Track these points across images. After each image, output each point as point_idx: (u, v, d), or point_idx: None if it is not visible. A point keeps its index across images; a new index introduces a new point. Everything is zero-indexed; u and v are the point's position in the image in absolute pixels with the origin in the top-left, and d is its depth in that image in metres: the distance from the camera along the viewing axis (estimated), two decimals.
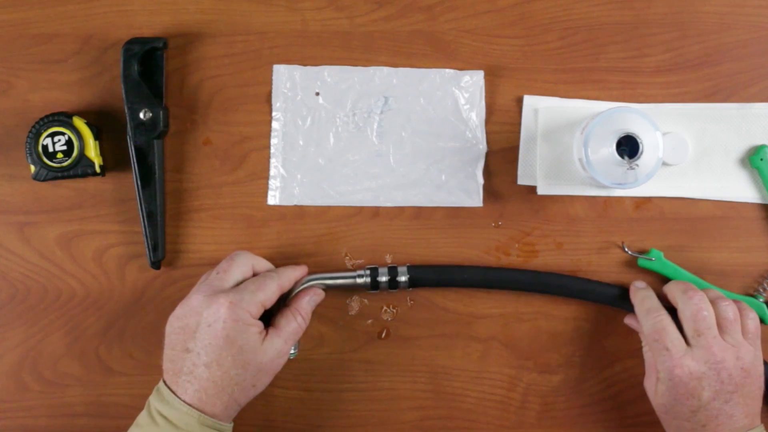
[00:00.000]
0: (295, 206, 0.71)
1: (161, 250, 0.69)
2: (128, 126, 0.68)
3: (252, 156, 0.71)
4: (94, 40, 0.71)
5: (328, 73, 0.72)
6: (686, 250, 0.71)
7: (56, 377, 0.71)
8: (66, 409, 0.70)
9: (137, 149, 0.69)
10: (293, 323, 0.64)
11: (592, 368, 0.71)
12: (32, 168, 0.68)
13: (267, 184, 0.71)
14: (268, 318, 0.65)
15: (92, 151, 0.68)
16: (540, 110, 0.71)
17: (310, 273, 0.68)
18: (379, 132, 0.71)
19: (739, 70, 0.72)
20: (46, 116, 0.68)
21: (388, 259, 0.71)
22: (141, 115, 0.68)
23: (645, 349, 0.67)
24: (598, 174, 0.65)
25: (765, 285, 0.70)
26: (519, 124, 0.71)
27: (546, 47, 0.72)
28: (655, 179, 0.66)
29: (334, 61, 0.72)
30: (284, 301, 0.67)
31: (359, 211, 0.71)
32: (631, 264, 0.71)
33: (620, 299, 0.69)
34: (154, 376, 0.69)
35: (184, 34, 0.71)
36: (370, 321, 0.71)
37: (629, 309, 0.68)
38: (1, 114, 0.71)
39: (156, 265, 0.69)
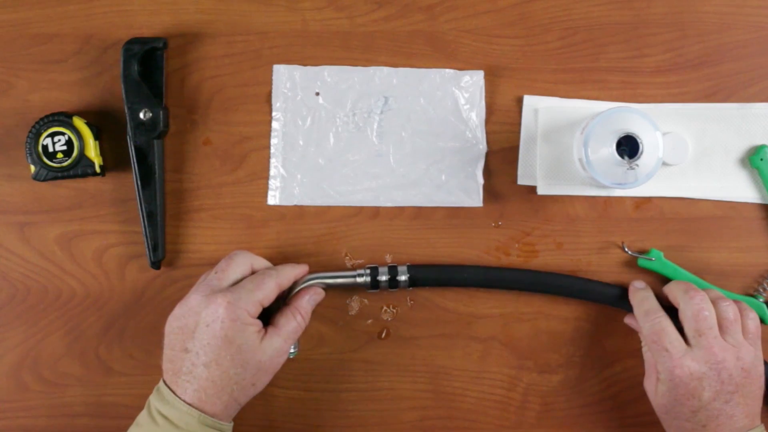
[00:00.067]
0: (295, 206, 0.71)
1: (161, 250, 0.69)
2: (128, 126, 0.68)
3: (252, 156, 0.71)
4: (94, 40, 0.71)
5: (328, 73, 0.72)
6: (686, 250, 0.71)
7: (56, 377, 0.71)
8: (66, 409, 0.70)
9: (137, 149, 0.69)
10: (293, 322, 0.64)
11: (592, 368, 0.71)
12: (32, 168, 0.68)
13: (267, 184, 0.71)
14: (269, 317, 0.65)
15: (92, 151, 0.68)
16: (540, 110, 0.71)
17: (309, 273, 0.68)
18: (379, 132, 0.71)
19: (739, 70, 0.72)
20: (46, 116, 0.68)
21: (388, 259, 0.71)
22: (141, 115, 0.68)
23: (644, 350, 0.67)
24: (598, 174, 0.65)
25: (765, 285, 0.70)
26: (519, 124, 0.71)
27: (546, 47, 0.72)
28: (655, 179, 0.66)
29: (334, 61, 0.72)
30: (284, 299, 0.67)
31: (359, 211, 0.71)
32: (631, 264, 0.71)
33: (620, 299, 0.69)
34: (154, 376, 0.69)
35: (184, 34, 0.71)
36: (370, 321, 0.71)
37: (629, 309, 0.68)
38: (1, 114, 0.71)
39: (156, 265, 0.70)
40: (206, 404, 0.59)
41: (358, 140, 0.71)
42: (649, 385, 0.65)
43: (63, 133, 0.68)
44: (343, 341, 0.71)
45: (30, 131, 0.68)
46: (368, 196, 0.71)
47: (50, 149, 0.67)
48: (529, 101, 0.71)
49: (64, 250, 0.71)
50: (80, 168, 0.68)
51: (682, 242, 0.71)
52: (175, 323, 0.61)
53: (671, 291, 0.66)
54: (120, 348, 0.71)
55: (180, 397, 0.59)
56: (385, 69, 0.72)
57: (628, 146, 0.64)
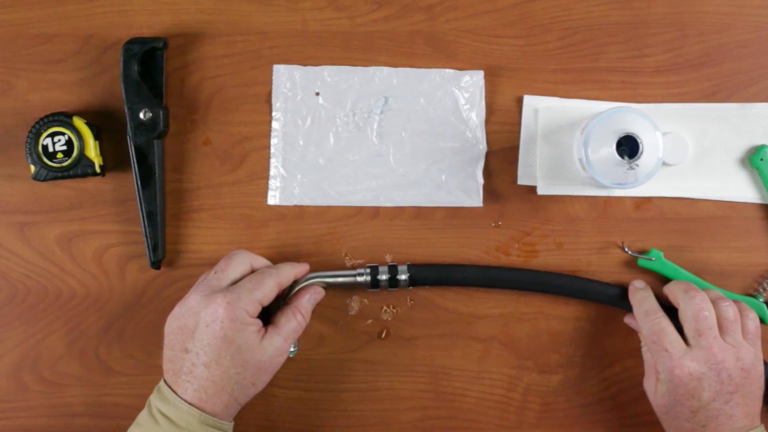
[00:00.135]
0: (295, 206, 0.71)
1: (161, 250, 0.69)
2: (128, 126, 0.68)
3: (252, 156, 0.71)
4: (94, 40, 0.71)
5: (328, 73, 0.72)
6: (686, 250, 0.71)
7: (56, 377, 0.71)
8: (66, 409, 0.70)
9: (137, 149, 0.69)
10: (293, 321, 0.64)
11: (592, 368, 0.71)
12: (32, 168, 0.68)
13: (267, 184, 0.71)
14: (268, 316, 0.65)
15: (92, 151, 0.68)
16: (540, 110, 0.71)
17: (309, 273, 0.68)
18: (379, 132, 0.71)
19: (739, 70, 0.72)
20: (46, 116, 0.68)
21: (388, 259, 0.71)
22: (141, 115, 0.68)
23: (644, 350, 0.67)
24: (598, 174, 0.65)
25: (765, 285, 0.70)
26: (519, 124, 0.71)
27: (546, 47, 0.72)
28: (655, 179, 0.66)
29: (334, 61, 0.72)
30: (284, 298, 0.67)
31: (359, 211, 0.71)
32: (631, 264, 0.71)
33: (620, 299, 0.69)
34: (154, 376, 0.69)
35: (184, 34, 0.71)
36: (370, 321, 0.71)
37: (629, 309, 0.68)
38: (1, 114, 0.71)
39: (156, 265, 0.70)
40: (207, 404, 0.59)
41: (358, 140, 0.71)
42: (649, 385, 0.65)
43: (63, 133, 0.68)
44: (343, 341, 0.71)
45: (30, 131, 0.68)
46: (368, 196, 0.71)
47: (50, 149, 0.67)
48: (529, 101, 0.71)
49: (64, 250, 0.71)
50: (80, 168, 0.68)
51: (682, 242, 0.71)
52: (174, 323, 0.61)
53: (671, 291, 0.66)
54: (120, 348, 0.71)
55: (181, 397, 0.59)
56: (385, 69, 0.72)
57: (628, 146, 0.64)
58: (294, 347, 0.67)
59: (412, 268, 0.69)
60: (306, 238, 0.71)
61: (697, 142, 0.71)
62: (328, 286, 0.69)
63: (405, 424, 0.71)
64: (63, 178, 0.68)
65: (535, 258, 0.71)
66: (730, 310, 0.63)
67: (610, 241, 0.71)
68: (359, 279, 0.68)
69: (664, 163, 0.70)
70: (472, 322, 0.71)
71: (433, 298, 0.71)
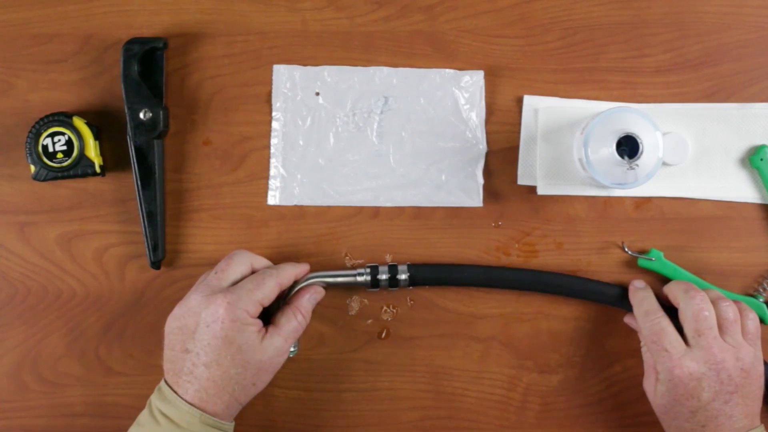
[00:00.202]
0: (295, 206, 0.71)
1: (161, 250, 0.69)
2: (128, 126, 0.68)
3: (252, 156, 0.71)
4: (94, 40, 0.71)
5: (328, 73, 0.72)
6: (686, 250, 0.71)
7: (56, 377, 0.71)
8: (66, 409, 0.70)
9: (137, 149, 0.69)
10: (293, 321, 0.64)
11: (592, 368, 0.71)
12: (32, 168, 0.68)
13: (267, 184, 0.71)
14: (269, 316, 0.65)
15: (92, 151, 0.68)
16: (540, 110, 0.71)
17: (309, 273, 0.68)
18: (379, 132, 0.71)
19: (739, 70, 0.72)
20: (46, 116, 0.68)
21: (388, 259, 0.71)
22: (141, 115, 0.68)
23: (644, 350, 0.67)
24: (598, 174, 0.65)
25: (765, 285, 0.70)
26: (519, 124, 0.71)
27: (546, 47, 0.72)
28: (655, 179, 0.66)
29: (334, 61, 0.72)
30: (285, 298, 0.67)
31: (359, 211, 0.71)
32: (631, 264, 0.71)
33: (620, 299, 0.69)
34: (154, 376, 0.69)
35: (184, 34, 0.71)
36: (370, 321, 0.71)
37: (629, 309, 0.68)
38: (1, 114, 0.71)
39: (156, 265, 0.70)
40: (207, 404, 0.59)
41: (358, 140, 0.71)
42: (649, 385, 0.65)
43: (63, 133, 0.68)
44: (343, 341, 0.71)
45: (30, 131, 0.68)
46: (368, 196, 0.71)
47: (50, 149, 0.67)
48: (529, 101, 0.71)
49: (64, 250, 0.71)
50: (80, 168, 0.68)
51: (682, 242, 0.71)
52: (174, 323, 0.61)
53: (671, 291, 0.66)
54: (120, 348, 0.71)
55: (181, 397, 0.59)
56: (385, 69, 0.72)
57: (628, 146, 0.64)
58: (294, 347, 0.67)
59: (412, 267, 0.69)
60: (306, 238, 0.71)
61: (697, 142, 0.71)
62: (328, 286, 0.69)
63: (405, 424, 0.71)
64: (63, 178, 0.68)
65: (535, 258, 0.71)
66: (730, 310, 0.63)
67: (610, 241, 0.71)
68: (359, 279, 0.68)
69: (664, 163, 0.70)
70: (472, 322, 0.71)
71: (433, 298, 0.71)
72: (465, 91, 0.71)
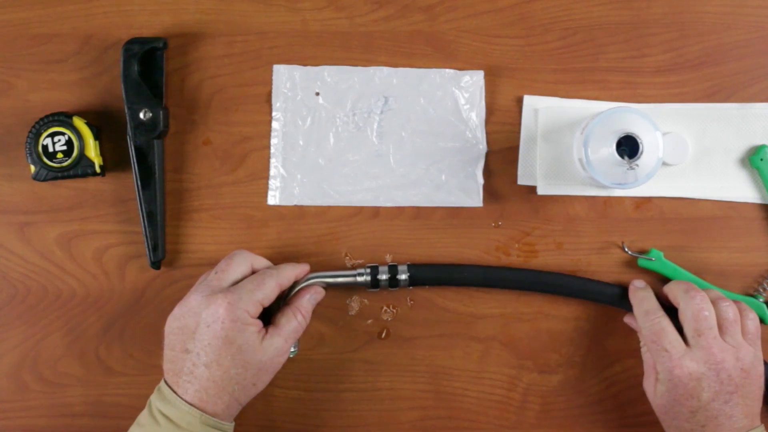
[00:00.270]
0: (295, 206, 0.71)
1: (161, 250, 0.69)
2: (128, 126, 0.68)
3: (252, 156, 0.71)
4: (94, 40, 0.71)
5: (328, 73, 0.72)
6: (686, 250, 0.71)
7: (56, 377, 0.71)
8: (66, 409, 0.70)
9: (137, 149, 0.69)
10: (293, 322, 0.64)
11: (592, 368, 0.71)
12: (32, 168, 0.68)
13: (267, 184, 0.71)
14: (269, 316, 0.65)
15: (92, 151, 0.68)
16: (540, 110, 0.71)
17: (309, 273, 0.68)
18: (379, 132, 0.71)
19: (739, 70, 0.72)
20: (46, 116, 0.68)
21: (388, 259, 0.71)
22: (141, 115, 0.68)
23: (643, 350, 0.67)
24: (598, 174, 0.65)
25: (765, 285, 0.70)
26: (519, 124, 0.71)
27: (546, 47, 0.72)
28: (655, 179, 0.66)
29: (334, 61, 0.72)
30: (285, 298, 0.67)
31: (359, 211, 0.71)
32: (631, 264, 0.71)
33: (620, 299, 0.69)
34: (154, 376, 0.69)
35: (184, 34, 0.71)
36: (370, 321, 0.71)
37: (629, 309, 0.68)
38: (1, 114, 0.71)
39: (156, 265, 0.70)
40: (207, 404, 0.59)
41: (358, 140, 0.71)
42: (648, 385, 0.65)
43: (63, 133, 0.68)
44: (343, 341, 0.71)
45: (30, 131, 0.68)
46: (368, 196, 0.71)
47: (50, 149, 0.67)
48: (529, 101, 0.71)
49: (64, 250, 0.71)
50: (80, 168, 0.68)
51: (682, 242, 0.71)
52: (175, 323, 0.61)
53: (671, 291, 0.66)
54: (120, 348, 0.71)
55: (181, 397, 0.59)
56: (385, 69, 0.72)
57: (628, 146, 0.64)
58: (294, 348, 0.67)
59: (412, 268, 0.69)
60: (306, 238, 0.71)
61: (697, 142, 0.71)
62: (328, 286, 0.69)
63: (405, 424, 0.71)
64: (63, 178, 0.68)
65: (535, 258, 0.71)
66: (729, 310, 0.63)
67: (610, 241, 0.71)
68: (359, 279, 0.68)
69: (664, 163, 0.70)
70: (472, 322, 0.71)
71: (433, 298, 0.71)
72: (465, 91, 0.71)
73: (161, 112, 0.68)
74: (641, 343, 0.67)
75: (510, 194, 0.71)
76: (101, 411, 0.70)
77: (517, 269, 0.71)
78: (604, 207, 0.71)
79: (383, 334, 0.71)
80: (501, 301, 0.71)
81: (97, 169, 0.68)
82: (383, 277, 0.68)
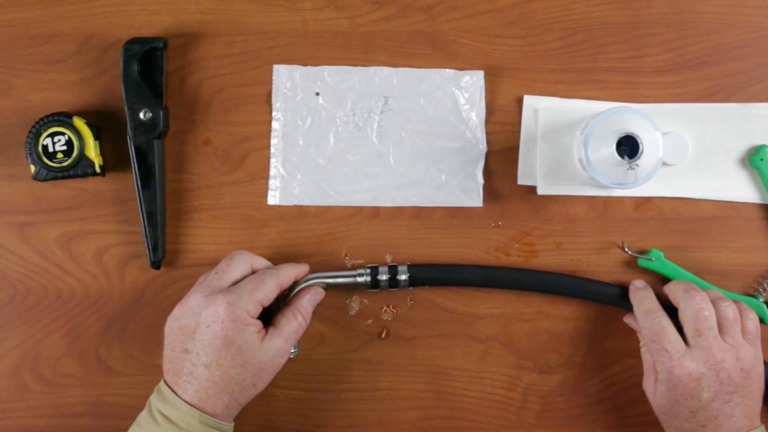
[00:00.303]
0: (295, 206, 0.71)
1: (161, 250, 0.69)
2: (128, 126, 0.68)
3: (252, 156, 0.71)
4: (94, 40, 0.71)
5: (328, 73, 0.72)
6: (686, 250, 0.71)
7: (56, 377, 0.71)
8: (66, 409, 0.70)
9: (137, 149, 0.69)
10: (293, 322, 0.64)
11: (592, 368, 0.71)
12: (32, 168, 0.68)
13: (267, 184, 0.71)
14: (269, 317, 0.65)
15: (92, 151, 0.68)
16: (540, 110, 0.71)
17: (309, 273, 0.68)
18: (379, 132, 0.71)
19: (739, 70, 0.72)
20: (46, 116, 0.68)
21: (388, 259, 0.71)
22: (141, 115, 0.68)
23: (643, 350, 0.67)
24: (598, 174, 0.65)
25: (765, 285, 0.70)
26: (519, 124, 0.71)
27: (546, 47, 0.72)
28: (655, 179, 0.66)
29: (334, 61, 0.72)
30: (285, 299, 0.67)
31: (359, 211, 0.71)
32: (631, 264, 0.71)
33: (620, 299, 0.69)
34: (154, 376, 0.69)
35: (184, 34, 0.71)
36: (370, 321, 0.71)
37: (629, 309, 0.68)
38: (1, 114, 0.71)
39: (156, 265, 0.70)
40: (207, 404, 0.59)
41: (358, 140, 0.71)
42: (648, 385, 0.65)
43: (63, 133, 0.68)
44: (343, 341, 0.71)
45: (30, 131, 0.68)
46: (368, 196, 0.71)
47: (50, 149, 0.67)
48: (529, 101, 0.71)
49: (64, 250, 0.71)
50: (80, 168, 0.68)
51: (682, 242, 0.71)
52: (175, 324, 0.61)
53: (671, 290, 0.66)
54: (120, 348, 0.71)
55: (181, 397, 0.59)
56: (385, 69, 0.72)
57: (628, 146, 0.64)
58: (294, 348, 0.67)
59: (412, 268, 0.69)
60: (306, 238, 0.71)
61: (697, 142, 0.71)
62: (328, 287, 0.69)
63: (405, 424, 0.71)
64: (63, 178, 0.68)
65: (535, 258, 0.71)
66: (729, 310, 0.63)
67: (610, 241, 0.71)
68: (359, 280, 0.68)
69: (664, 163, 0.70)
70: (472, 322, 0.71)
71: (433, 298, 0.71)
72: (465, 91, 0.71)
73: (161, 112, 0.68)
74: (641, 343, 0.67)
75: (510, 194, 0.71)
76: (101, 411, 0.70)
77: (517, 269, 0.71)
78: (604, 207, 0.71)
79: (383, 334, 0.71)
80: (501, 301, 0.71)
81: (97, 169, 0.68)
82: (383, 277, 0.68)
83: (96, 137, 0.69)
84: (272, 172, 0.71)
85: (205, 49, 0.71)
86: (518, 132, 0.71)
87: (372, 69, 0.72)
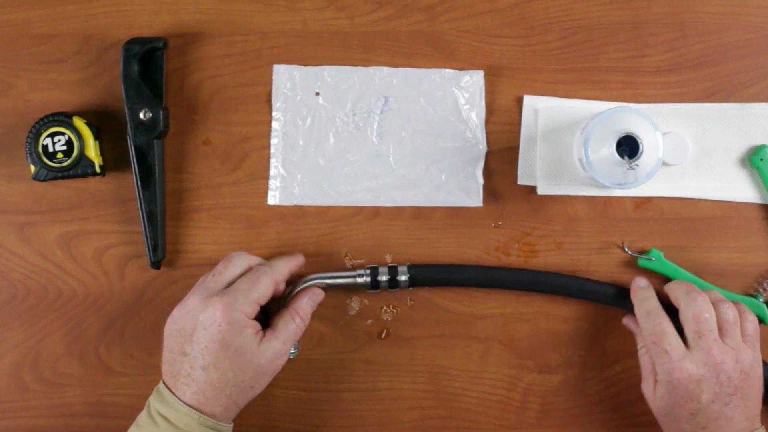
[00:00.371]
0: (295, 206, 0.71)
1: (161, 250, 0.69)
2: (128, 126, 0.68)
3: (252, 156, 0.71)
4: (94, 40, 0.71)
5: (328, 73, 0.72)
6: (686, 250, 0.71)
7: (56, 377, 0.71)
8: (66, 409, 0.70)
9: (137, 149, 0.69)
10: (291, 324, 0.64)
11: (592, 368, 0.71)
12: (32, 168, 0.68)
13: (267, 184, 0.71)
14: (269, 318, 0.65)
15: (92, 151, 0.68)
16: (540, 110, 0.71)
17: (309, 273, 0.68)
18: (379, 132, 0.71)
19: (739, 70, 0.72)
20: (46, 116, 0.68)
21: (388, 259, 0.71)
22: (141, 115, 0.68)
23: (641, 352, 0.66)
24: (598, 174, 0.65)
25: (765, 285, 0.70)
26: (519, 124, 0.71)
27: (546, 47, 0.72)
28: (655, 179, 0.66)
29: (334, 61, 0.72)
30: (285, 299, 0.67)
31: (359, 211, 0.71)
32: (631, 264, 0.71)
33: (620, 299, 0.69)
34: (154, 376, 0.69)
35: (184, 34, 0.71)
36: (370, 321, 0.71)
37: (629, 309, 0.68)
38: (1, 114, 0.71)
39: (156, 265, 0.70)
40: (205, 406, 0.59)
41: (358, 140, 0.71)
42: (647, 388, 0.65)
43: (63, 133, 0.68)
44: (343, 341, 0.71)
45: (30, 131, 0.68)
46: (368, 196, 0.71)
47: (50, 149, 0.67)
48: (529, 101, 0.71)
49: (64, 250, 0.71)
50: (80, 168, 0.68)
51: (682, 242, 0.71)
52: (173, 326, 0.61)
53: (672, 291, 0.66)
54: (120, 348, 0.71)
55: (180, 399, 0.59)
56: (385, 69, 0.72)
57: (628, 146, 0.64)
58: (294, 349, 0.67)
59: (412, 268, 0.69)
60: (306, 238, 0.71)
61: (697, 142, 0.71)
62: (328, 287, 0.69)
63: (405, 424, 0.71)
64: (63, 178, 0.68)
65: (535, 258, 0.71)
66: (730, 312, 0.63)
67: (610, 241, 0.71)
68: (359, 280, 0.68)
69: (664, 163, 0.70)
70: (472, 322, 0.71)
71: (433, 298, 0.71)
72: (465, 91, 0.71)
73: (161, 112, 0.68)
74: (638, 346, 0.67)
75: (510, 194, 0.71)
76: (101, 411, 0.70)
77: (517, 269, 0.71)
78: (604, 207, 0.71)
79: (383, 334, 0.71)
80: (501, 301, 0.71)
81: (97, 169, 0.68)
82: (383, 278, 0.68)
83: (96, 137, 0.69)
84: (272, 172, 0.71)
85: (205, 49, 0.71)
86: (518, 132, 0.71)
87: (372, 69, 0.72)
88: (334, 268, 0.70)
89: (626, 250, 0.71)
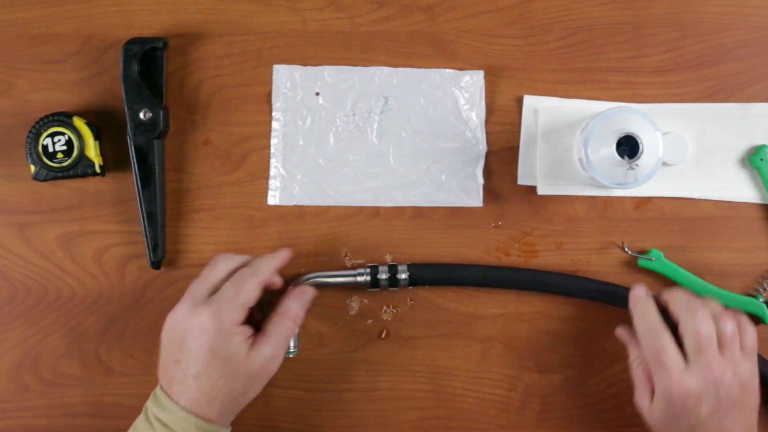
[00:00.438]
0: (295, 206, 0.71)
1: (161, 250, 0.69)
2: (128, 126, 0.68)
3: (252, 156, 0.71)
4: (94, 40, 0.71)
5: (328, 73, 0.72)
6: (686, 250, 0.71)
7: (56, 377, 0.71)
8: (66, 409, 0.70)
9: (137, 149, 0.69)
10: (280, 327, 0.62)
11: (592, 368, 0.71)
12: (32, 168, 0.68)
13: (267, 184, 0.71)
14: (262, 320, 0.64)
15: (92, 151, 0.68)
16: (540, 110, 0.71)
17: (309, 273, 0.68)
18: (379, 132, 0.71)
19: (739, 70, 0.72)
20: (46, 116, 0.68)
21: (388, 259, 0.71)
22: (141, 115, 0.68)
23: (634, 364, 0.65)
24: (598, 174, 0.65)
25: (765, 285, 0.70)
26: (519, 124, 0.71)
27: (546, 47, 0.72)
28: (655, 179, 0.66)
29: (334, 61, 0.72)
30: (278, 294, 0.66)
31: (359, 211, 0.71)
32: (631, 264, 0.71)
33: (620, 299, 0.69)
34: (153, 376, 0.69)
35: (184, 34, 0.71)
36: (370, 321, 0.71)
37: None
38: (1, 114, 0.71)
39: (156, 265, 0.69)
40: (201, 411, 0.59)
41: (358, 140, 0.71)
42: (642, 400, 0.64)
43: (63, 133, 0.68)
44: (343, 341, 0.71)
45: (30, 131, 0.68)
46: (368, 196, 0.71)
47: (50, 149, 0.67)
48: (529, 101, 0.71)
49: (64, 250, 0.71)
50: (80, 168, 0.68)
51: (682, 242, 0.71)
52: (166, 334, 0.61)
53: (672, 302, 0.64)
54: (120, 348, 0.71)
55: (176, 403, 0.59)
56: (385, 69, 0.72)
57: (628, 146, 0.64)
58: (294, 347, 0.67)
59: (412, 267, 0.69)
60: (306, 238, 0.71)
61: (697, 142, 0.71)
62: (328, 286, 0.69)
63: (405, 424, 0.71)
64: (63, 178, 0.68)
65: (535, 258, 0.71)
66: (729, 326, 0.62)
67: (610, 241, 0.71)
68: (359, 279, 0.68)
69: (664, 163, 0.70)
70: (472, 322, 0.71)
71: (433, 298, 0.71)
72: (465, 91, 0.71)
73: (161, 112, 0.68)
74: (631, 357, 0.66)
75: (510, 194, 0.71)
76: (101, 411, 0.70)
77: (517, 269, 0.70)
78: (604, 207, 0.71)
79: (383, 334, 0.71)
80: (501, 301, 0.71)
81: (97, 169, 0.68)
82: (383, 276, 0.68)
83: (96, 137, 0.69)
84: (272, 172, 0.71)
85: (205, 49, 0.71)
86: (518, 132, 0.71)
87: (372, 69, 0.72)
88: (334, 268, 0.70)
89: (626, 250, 0.71)
